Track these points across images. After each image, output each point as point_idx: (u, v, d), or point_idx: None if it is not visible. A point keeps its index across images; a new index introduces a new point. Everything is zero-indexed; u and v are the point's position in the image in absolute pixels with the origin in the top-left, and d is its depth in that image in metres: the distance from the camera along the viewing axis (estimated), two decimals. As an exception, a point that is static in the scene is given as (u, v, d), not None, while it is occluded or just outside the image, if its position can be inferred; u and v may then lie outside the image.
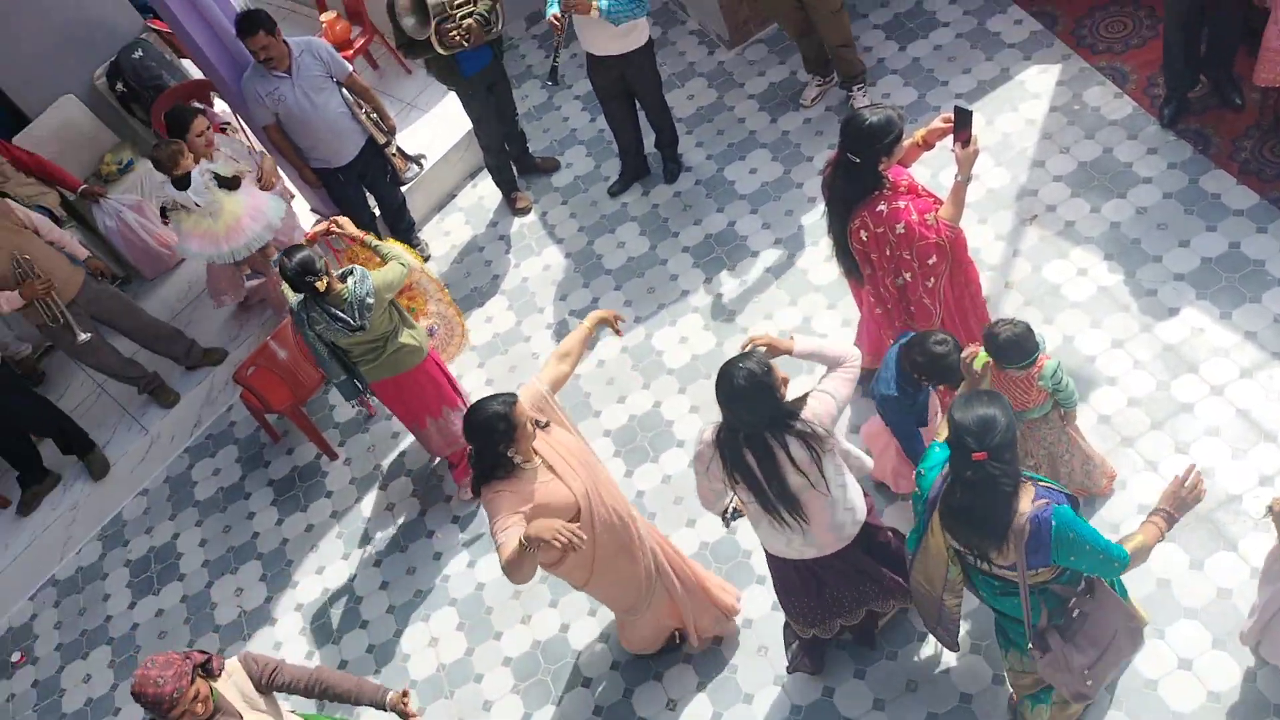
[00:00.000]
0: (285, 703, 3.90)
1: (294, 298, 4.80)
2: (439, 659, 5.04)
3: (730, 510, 3.97)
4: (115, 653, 5.68)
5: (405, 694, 3.83)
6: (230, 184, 5.74)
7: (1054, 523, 3.07)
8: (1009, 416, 3.04)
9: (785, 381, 3.52)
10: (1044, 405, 4.03)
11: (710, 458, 3.60)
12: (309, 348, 4.95)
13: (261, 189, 5.94)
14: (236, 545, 5.86)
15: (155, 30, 7.30)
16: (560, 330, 6.05)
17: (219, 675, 3.59)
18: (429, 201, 6.97)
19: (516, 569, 3.47)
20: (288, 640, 5.36)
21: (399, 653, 5.13)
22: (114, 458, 6.28)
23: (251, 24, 5.56)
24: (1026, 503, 3.09)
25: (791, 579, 3.93)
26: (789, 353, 3.62)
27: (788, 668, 4.37)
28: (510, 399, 3.62)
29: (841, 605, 3.98)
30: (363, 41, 7.37)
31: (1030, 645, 3.30)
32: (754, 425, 3.45)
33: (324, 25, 7.25)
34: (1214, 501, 4.32)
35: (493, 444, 3.60)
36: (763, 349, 3.61)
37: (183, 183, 5.67)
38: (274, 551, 5.77)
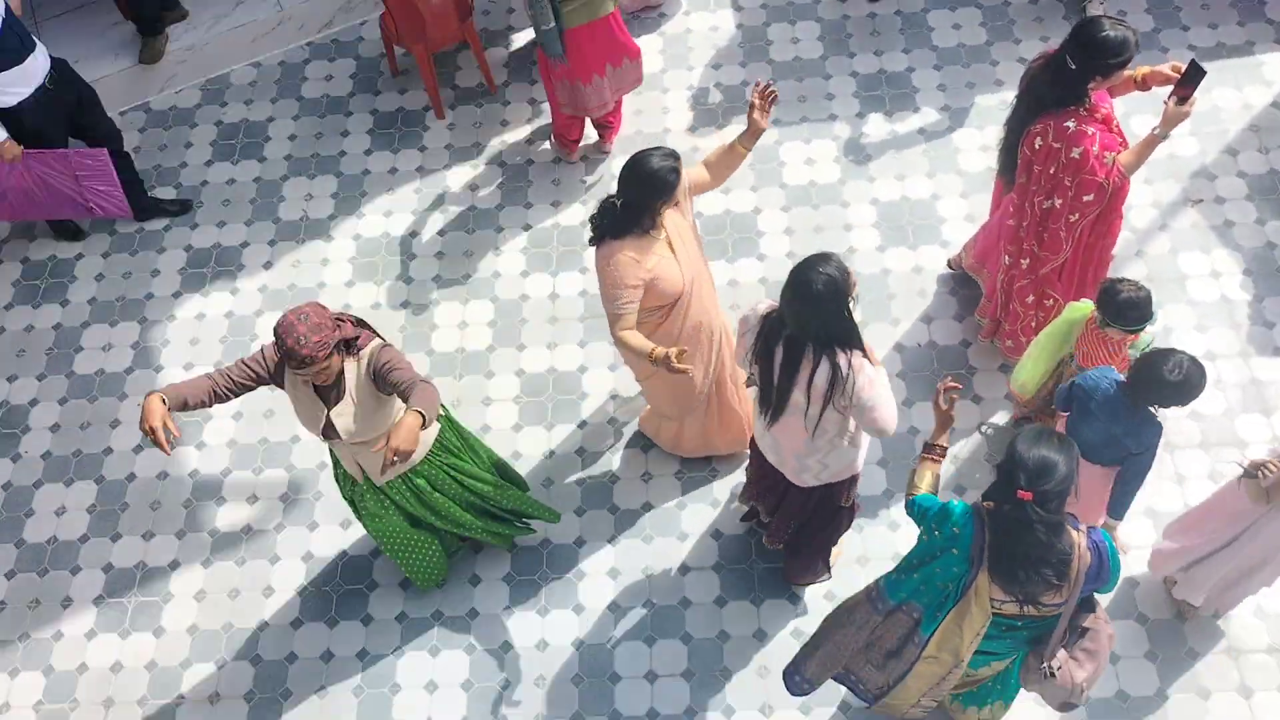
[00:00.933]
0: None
1: None
2: (462, 342, 5.24)
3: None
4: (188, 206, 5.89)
5: None
6: None
7: (1108, 545, 3.02)
8: (1072, 467, 2.87)
9: (854, 287, 3.34)
10: (1117, 378, 4.01)
11: (750, 329, 3.54)
12: None
13: None
14: (322, 154, 5.95)
15: None
16: (698, 99, 5.91)
17: (358, 354, 3.53)
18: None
19: (628, 352, 3.76)
20: (334, 261, 5.55)
21: (429, 320, 5.32)
22: (242, 20, 6.28)
23: None
24: (1076, 535, 3.01)
25: (756, 459, 4.01)
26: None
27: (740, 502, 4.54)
28: (678, 158, 3.56)
29: (772, 509, 4.13)
30: None
31: (1045, 665, 3.17)
32: (806, 331, 3.34)
33: None
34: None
35: (651, 197, 3.58)
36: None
37: None
38: (353, 176, 5.86)
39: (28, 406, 5.23)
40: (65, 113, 5.22)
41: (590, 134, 5.79)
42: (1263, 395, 4.71)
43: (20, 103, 4.98)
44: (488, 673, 4.37)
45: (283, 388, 3.63)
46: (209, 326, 5.40)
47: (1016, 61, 5.81)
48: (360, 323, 3.61)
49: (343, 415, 3.56)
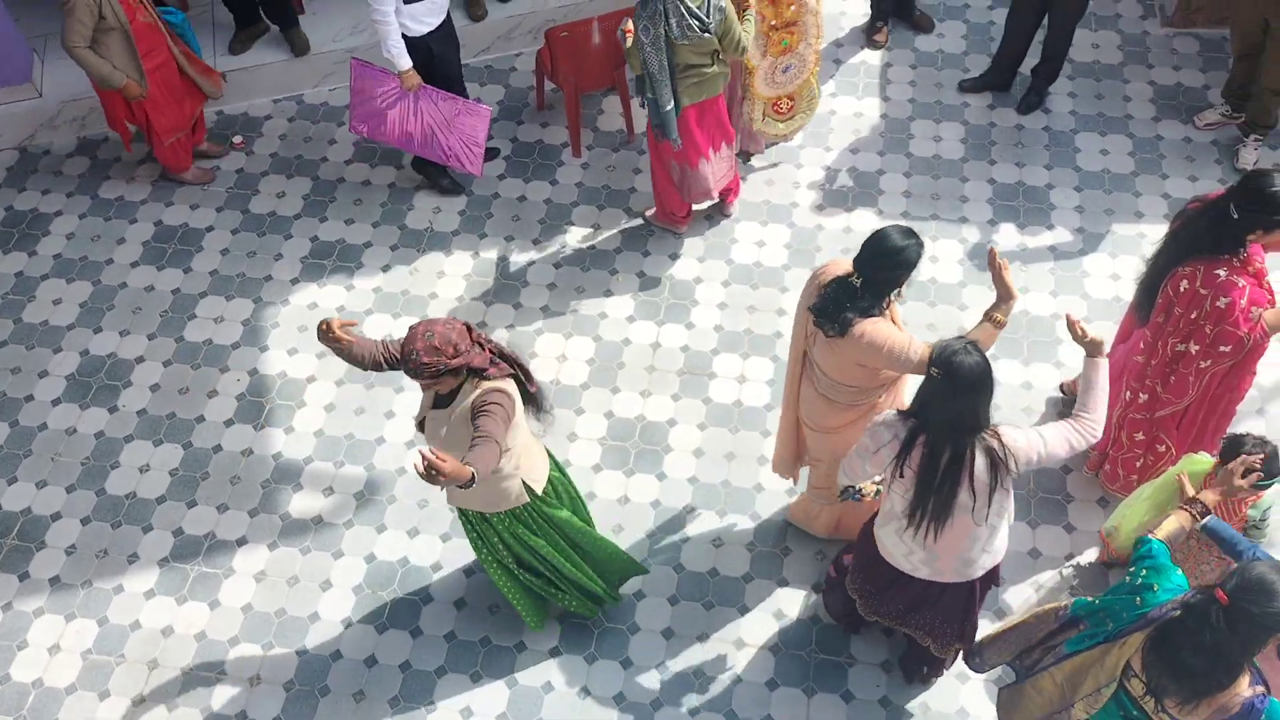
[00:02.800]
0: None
1: None
2: (559, 375, 5.26)
3: (857, 490, 3.82)
4: (314, 190, 6.07)
5: None
6: None
7: (1266, 714, 2.82)
8: None
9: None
10: (1232, 536, 3.84)
11: (886, 440, 3.36)
12: (643, 60, 4.86)
13: None
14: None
15: None
16: (829, 179, 5.92)
17: (477, 382, 3.49)
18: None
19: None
20: (450, 275, 5.64)
21: (530, 348, 5.36)
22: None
23: None
24: (1245, 684, 2.82)
25: (880, 572, 3.80)
26: (1093, 355, 3.36)
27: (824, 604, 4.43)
28: (917, 235, 3.57)
29: (909, 620, 3.90)
30: None
31: None
32: (959, 421, 3.21)
33: None
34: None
35: (896, 272, 3.55)
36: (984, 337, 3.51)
37: None
38: (482, 197, 5.98)
39: (133, 363, 5.39)
40: (457, 50, 5.56)
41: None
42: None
43: (429, 33, 5.29)
44: (525, 710, 4.31)
45: None
46: (319, 317, 5.51)
47: (1160, 196, 5.70)
48: (503, 356, 3.57)
49: (437, 420, 3.60)
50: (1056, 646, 3.31)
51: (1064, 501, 4.75)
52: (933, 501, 3.32)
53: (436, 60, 5.43)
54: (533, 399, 3.70)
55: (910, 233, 3.56)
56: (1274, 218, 3.62)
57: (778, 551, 4.69)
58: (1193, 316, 3.83)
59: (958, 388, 3.14)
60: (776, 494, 4.80)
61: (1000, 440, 3.25)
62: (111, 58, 5.31)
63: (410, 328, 3.37)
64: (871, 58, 6.47)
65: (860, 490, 3.83)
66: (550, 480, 3.94)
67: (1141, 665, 2.93)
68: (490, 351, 3.51)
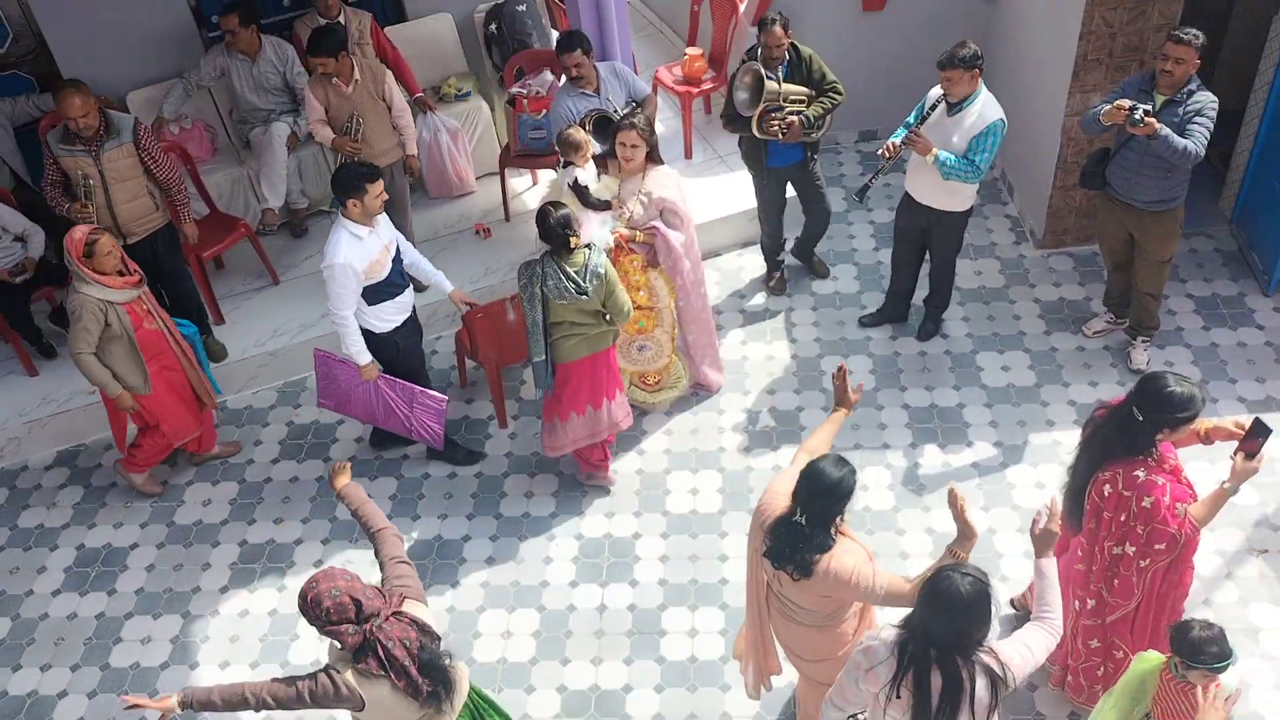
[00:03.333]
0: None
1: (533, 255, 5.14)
2: (505, 652, 5.10)
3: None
4: (240, 494, 5.99)
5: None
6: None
7: None
8: None
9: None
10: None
11: (881, 659, 3.32)
12: (524, 313, 5.21)
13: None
14: (385, 457, 6.11)
15: (548, -10, 7.80)
16: (751, 421, 6.08)
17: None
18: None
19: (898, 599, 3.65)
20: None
21: (473, 627, 5.22)
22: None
23: (571, 42, 5.99)
24: None
25: None
26: (1039, 554, 3.46)
27: None
28: (849, 463, 3.66)
29: None
30: (713, 85, 7.66)
31: None
32: (949, 643, 3.20)
33: (686, 57, 7.59)
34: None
35: (838, 505, 3.62)
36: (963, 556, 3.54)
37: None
38: (413, 479, 5.99)
39: (55, 698, 5.09)
40: (420, 337, 5.84)
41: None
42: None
43: (394, 329, 5.50)
44: None
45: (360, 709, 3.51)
46: (251, 626, 5.32)
47: (1066, 404, 5.95)
48: (389, 659, 3.48)
49: None
50: None
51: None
52: None
53: (401, 353, 5.63)
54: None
55: (842, 461, 3.65)
56: (1176, 416, 3.79)
57: None
58: (1122, 519, 3.92)
59: (946, 611, 3.16)
60: (745, 751, 4.60)
61: (997, 658, 3.24)
62: (114, 364, 5.39)
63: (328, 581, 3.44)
64: (774, 305, 6.81)
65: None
66: None
67: None
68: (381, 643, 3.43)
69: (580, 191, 5.58)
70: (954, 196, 5.78)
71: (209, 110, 7.32)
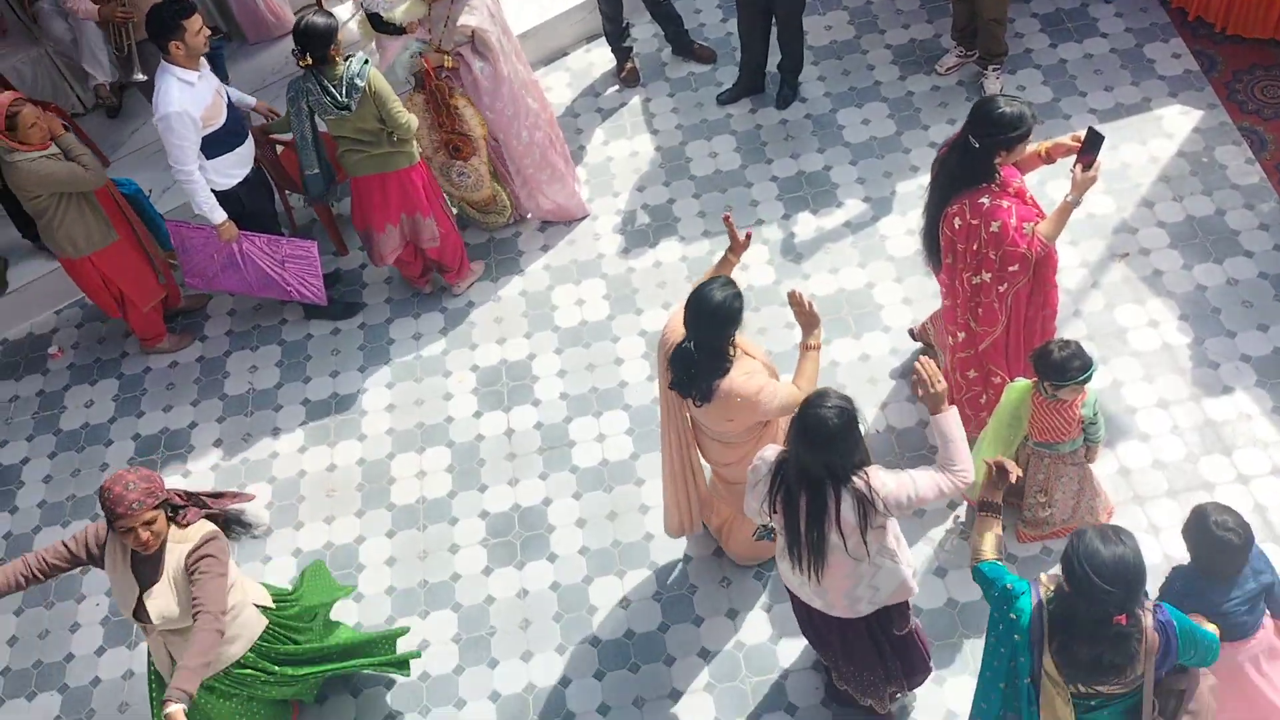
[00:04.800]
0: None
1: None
2: (423, 491, 5.17)
3: (765, 529, 3.86)
4: (122, 388, 5.83)
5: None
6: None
7: (1176, 625, 3.00)
8: (1141, 557, 2.87)
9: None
10: (1076, 440, 4.02)
11: (762, 476, 3.45)
12: (293, 130, 5.16)
13: None
14: (263, 325, 5.96)
15: None
16: (627, 222, 6.02)
17: (184, 527, 3.56)
18: (538, 53, 6.85)
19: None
20: (284, 429, 5.50)
21: (386, 474, 5.26)
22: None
23: None
24: (1142, 615, 2.96)
25: (801, 610, 3.84)
26: (934, 411, 3.39)
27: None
28: (734, 284, 3.67)
29: (828, 657, 3.93)
30: None
31: None
32: (814, 471, 3.28)
33: None
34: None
35: (727, 329, 3.64)
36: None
37: None
38: (294, 343, 5.87)
39: (-18, 623, 5.06)
40: (268, 194, 5.60)
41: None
42: (1220, 435, 4.74)
43: (236, 185, 5.24)
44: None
45: (102, 567, 3.62)
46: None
47: (928, 147, 6.00)
48: (196, 501, 3.61)
49: (156, 598, 3.53)
50: None
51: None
52: (803, 542, 3.37)
53: (248, 211, 5.39)
54: (236, 524, 3.74)
55: (727, 282, 3.65)
56: (1009, 136, 3.84)
57: (684, 592, 4.68)
58: (975, 248, 4.02)
59: (813, 441, 3.22)
60: (665, 539, 4.80)
61: (868, 482, 3.29)
62: (74, 226, 5.11)
63: (102, 486, 3.41)
64: (630, 97, 6.63)
65: (770, 530, 3.82)
66: (275, 625, 3.93)
67: (1062, 675, 3.03)
68: (178, 494, 3.55)
69: (372, 17, 5.36)
70: None
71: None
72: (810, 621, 3.83)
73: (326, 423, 5.49)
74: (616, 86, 6.70)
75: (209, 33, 5.02)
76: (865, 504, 3.28)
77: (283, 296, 5.61)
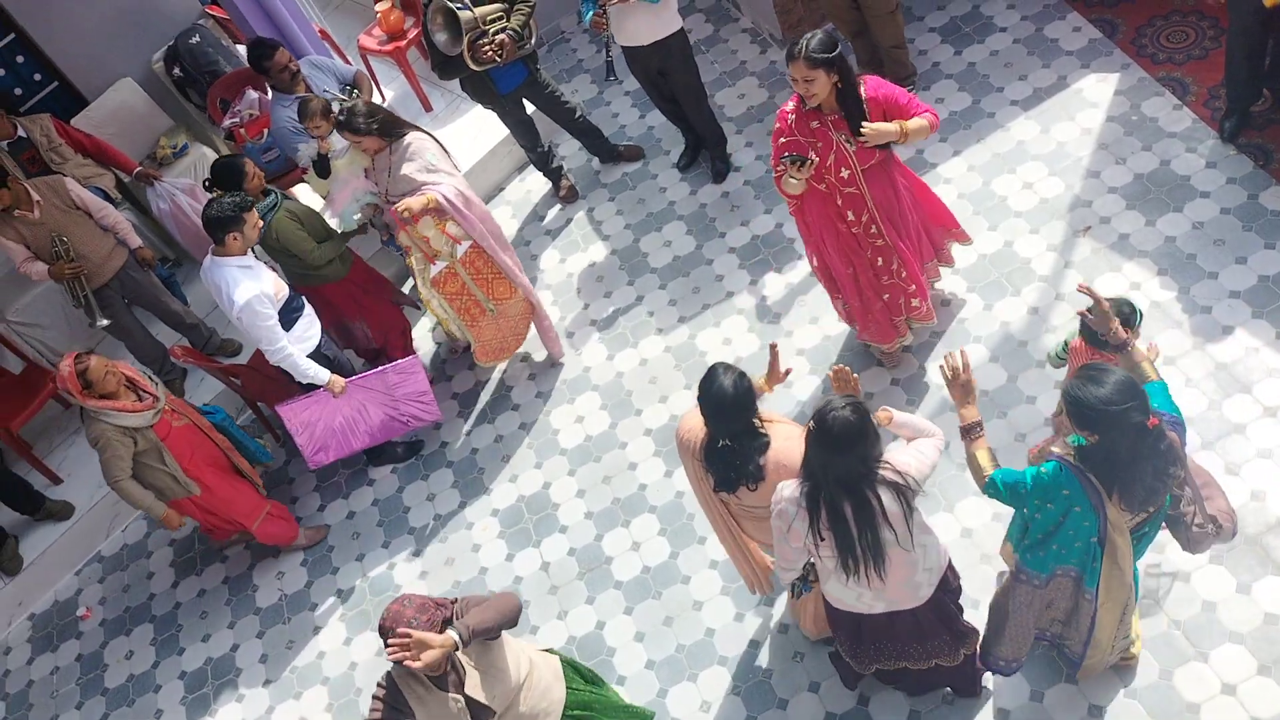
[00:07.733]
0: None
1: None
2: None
3: (802, 582, 3.79)
4: (157, 630, 5.77)
5: None
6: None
7: (1166, 412, 3.22)
8: (1126, 373, 3.14)
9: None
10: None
11: (793, 515, 3.42)
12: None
13: None
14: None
15: (212, 16, 7.37)
16: (607, 325, 6.06)
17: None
18: (476, 192, 6.92)
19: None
20: (325, 625, 5.43)
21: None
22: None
23: (265, 49, 5.78)
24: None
25: (846, 622, 3.81)
26: (886, 424, 3.62)
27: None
28: (737, 369, 3.71)
29: (900, 654, 3.88)
30: (417, 32, 7.38)
31: (1199, 523, 3.45)
32: (850, 474, 3.30)
33: (379, 15, 7.29)
34: (1263, 525, 4.26)
35: (747, 413, 3.66)
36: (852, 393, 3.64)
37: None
38: (389, 500, 5.86)
39: None
40: (342, 348, 5.84)
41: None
42: (1234, 375, 4.71)
43: (320, 342, 5.35)
44: None
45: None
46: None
47: (869, 178, 6.08)
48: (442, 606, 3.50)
49: (473, 688, 3.40)
50: (1082, 599, 3.53)
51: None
52: (859, 549, 3.37)
53: (335, 365, 5.45)
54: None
55: (728, 368, 3.67)
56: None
57: (762, 678, 4.58)
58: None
59: (843, 444, 3.25)
60: (728, 632, 4.70)
61: (894, 469, 3.36)
62: (153, 478, 5.06)
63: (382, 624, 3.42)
64: (574, 212, 6.74)
65: (807, 580, 3.79)
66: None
67: (1134, 511, 3.26)
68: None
69: (319, 166, 5.59)
70: (662, 18, 5.73)
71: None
72: (861, 635, 3.81)
73: (366, 608, 5.43)
74: (558, 206, 6.81)
75: (261, 224, 5.16)
76: (900, 489, 3.35)
77: (401, 432, 5.66)
